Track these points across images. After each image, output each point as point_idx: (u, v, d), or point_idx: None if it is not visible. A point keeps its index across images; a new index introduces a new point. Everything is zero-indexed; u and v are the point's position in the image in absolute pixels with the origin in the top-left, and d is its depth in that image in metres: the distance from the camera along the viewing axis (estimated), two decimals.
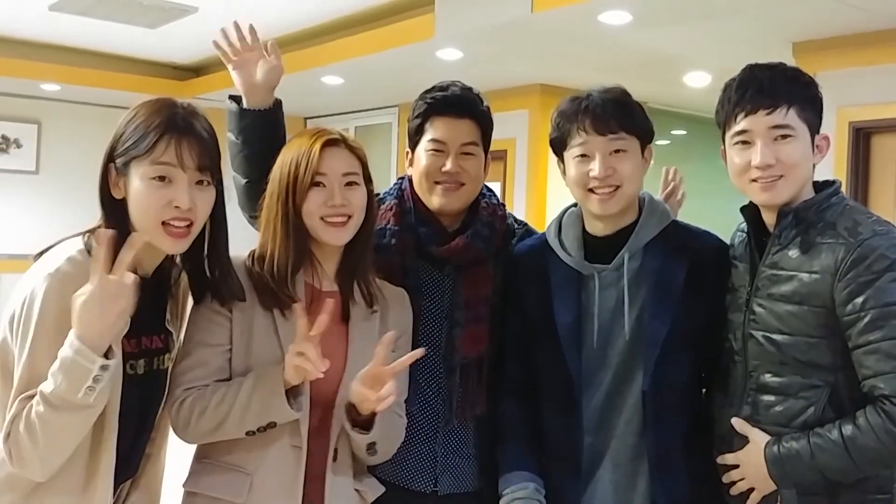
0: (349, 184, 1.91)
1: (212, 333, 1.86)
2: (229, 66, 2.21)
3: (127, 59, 7.38)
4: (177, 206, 1.69)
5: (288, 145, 1.97)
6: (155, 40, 6.64)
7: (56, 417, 1.55)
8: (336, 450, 1.90)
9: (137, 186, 1.69)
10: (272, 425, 1.80)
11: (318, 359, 1.71)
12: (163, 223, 1.70)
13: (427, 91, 2.21)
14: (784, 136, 1.84)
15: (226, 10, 5.98)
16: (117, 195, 1.72)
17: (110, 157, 1.72)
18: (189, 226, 1.73)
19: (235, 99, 2.20)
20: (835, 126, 4.73)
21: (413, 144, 2.21)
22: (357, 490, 1.97)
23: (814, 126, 1.89)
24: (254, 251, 1.93)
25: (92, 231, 1.71)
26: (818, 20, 4.40)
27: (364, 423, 1.85)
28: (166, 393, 1.85)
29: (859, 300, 1.72)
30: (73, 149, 7.86)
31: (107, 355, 1.55)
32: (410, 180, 2.23)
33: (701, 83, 5.92)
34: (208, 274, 1.84)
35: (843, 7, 4.12)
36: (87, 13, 5.94)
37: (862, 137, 4.59)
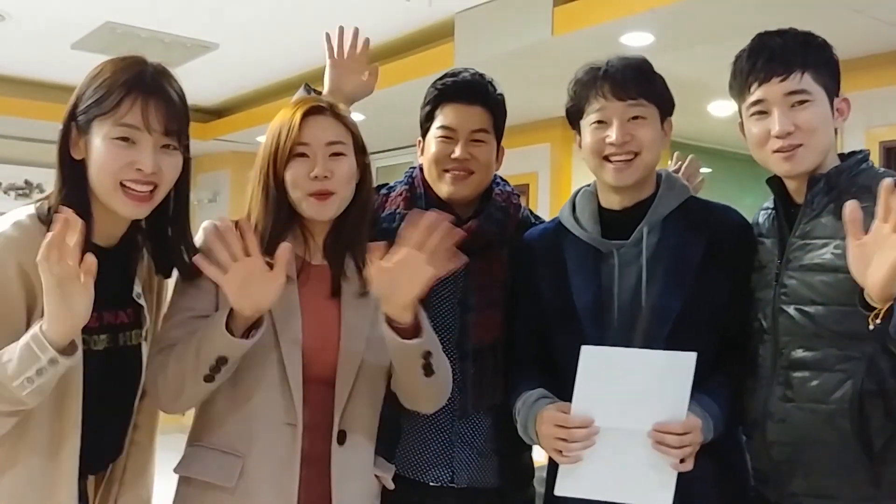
0: (334, 154, 1.79)
1: (197, 299, 1.73)
2: (328, 62, 2.30)
3: None
4: (139, 169, 1.58)
5: (276, 116, 1.87)
6: None
7: None
8: (343, 431, 1.77)
9: (98, 146, 1.58)
10: (222, 360, 1.62)
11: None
12: (122, 184, 1.58)
13: (439, 78, 2.19)
14: (801, 102, 1.78)
15: (245, 49, 6.01)
16: (77, 156, 1.61)
17: (72, 115, 1.60)
18: (152, 190, 1.61)
19: (310, 90, 2.24)
20: (864, 147, 4.61)
21: (424, 132, 2.18)
22: (377, 476, 1.86)
23: (831, 89, 1.81)
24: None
25: (47, 198, 1.61)
26: (847, 39, 4.29)
27: (409, 332, 1.69)
28: (143, 373, 1.72)
29: None
30: None
31: (66, 351, 1.43)
32: (422, 169, 2.19)
33: (725, 112, 5.82)
34: (171, 246, 1.72)
35: (874, 23, 4.02)
36: (108, 51, 5.88)
37: (893, 157, 4.48)
